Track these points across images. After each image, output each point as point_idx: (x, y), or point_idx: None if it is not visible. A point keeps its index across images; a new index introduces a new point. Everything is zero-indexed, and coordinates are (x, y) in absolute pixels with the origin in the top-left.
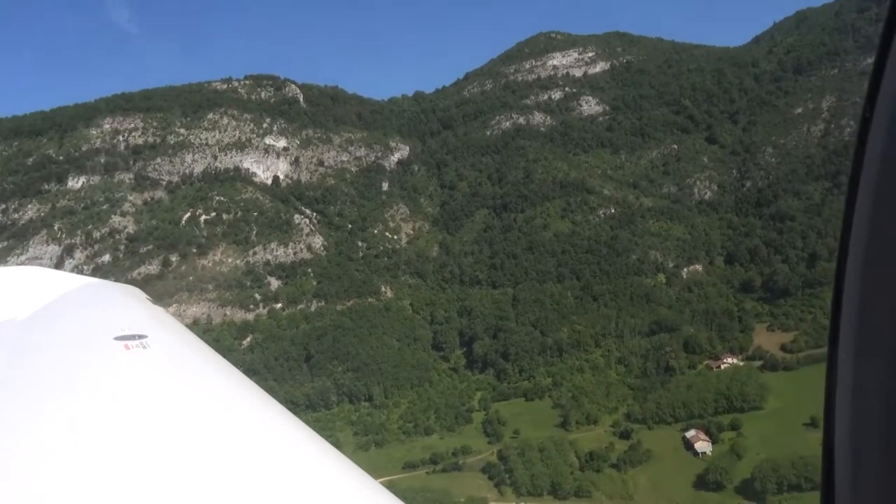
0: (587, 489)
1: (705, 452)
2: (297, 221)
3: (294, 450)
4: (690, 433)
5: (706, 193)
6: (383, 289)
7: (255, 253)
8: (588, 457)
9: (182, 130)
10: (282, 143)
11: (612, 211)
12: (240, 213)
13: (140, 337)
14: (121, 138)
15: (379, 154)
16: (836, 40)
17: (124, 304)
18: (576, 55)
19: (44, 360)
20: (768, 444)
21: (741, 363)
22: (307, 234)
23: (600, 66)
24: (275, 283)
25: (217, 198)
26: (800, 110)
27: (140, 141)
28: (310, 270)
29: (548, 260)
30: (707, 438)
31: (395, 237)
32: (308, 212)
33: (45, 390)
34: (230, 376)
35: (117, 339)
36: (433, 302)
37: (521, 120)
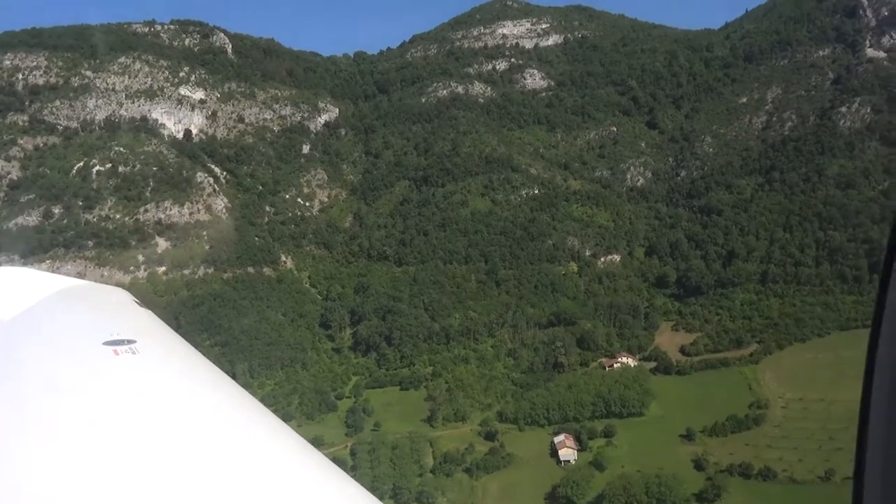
0: (431, 495)
1: (569, 461)
2: (199, 180)
3: (284, 457)
4: (558, 438)
5: (639, 180)
6: (283, 258)
7: (146, 210)
8: (443, 458)
9: (88, 73)
10: (199, 94)
11: (536, 191)
12: (138, 166)
13: (129, 342)
14: (20, 76)
15: (305, 114)
16: (791, 29)
17: (112, 307)
18: (528, 25)
19: (31, 365)
20: (637, 455)
21: (634, 364)
22: (209, 195)
23: (553, 39)
24: (163, 245)
25: (116, 148)
26: (745, 100)
27: (41, 81)
28: (204, 233)
29: (459, 239)
30: (573, 446)
31: (308, 204)
32: (217, 170)
33: (33, 397)
34: (220, 383)
35: (106, 344)
36: (334, 276)
37: (460, 89)
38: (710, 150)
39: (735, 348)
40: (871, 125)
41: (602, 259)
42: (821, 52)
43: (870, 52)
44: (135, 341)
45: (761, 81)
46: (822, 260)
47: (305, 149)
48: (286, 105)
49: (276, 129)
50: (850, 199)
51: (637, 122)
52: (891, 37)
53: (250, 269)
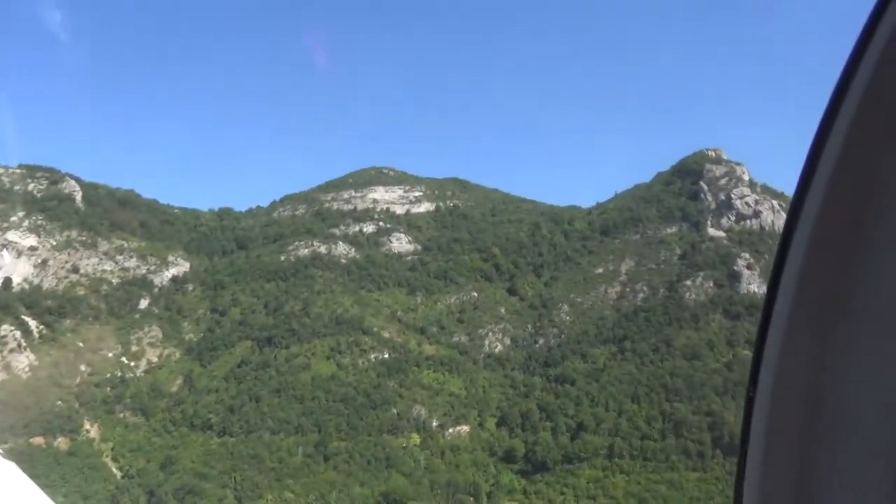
0: None
1: None
2: (2, 334)
3: None
4: None
5: (497, 346)
6: (87, 427)
7: None
8: None
9: None
10: (30, 241)
11: (386, 356)
12: None
13: None
14: None
15: (152, 268)
16: (643, 208)
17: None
18: (401, 192)
19: None
20: None
21: None
22: (10, 351)
23: (425, 207)
24: None
25: None
26: (600, 270)
27: None
28: None
29: (293, 406)
30: None
31: (133, 364)
32: (32, 324)
33: None
34: None
35: None
36: (142, 448)
37: (322, 249)
38: (568, 318)
39: None
40: (713, 299)
41: (450, 430)
42: (669, 230)
43: (711, 231)
44: None
45: (616, 254)
46: (667, 433)
47: (144, 304)
48: (131, 257)
49: (114, 281)
50: (696, 370)
51: (498, 289)
52: (728, 218)
53: (37, 440)
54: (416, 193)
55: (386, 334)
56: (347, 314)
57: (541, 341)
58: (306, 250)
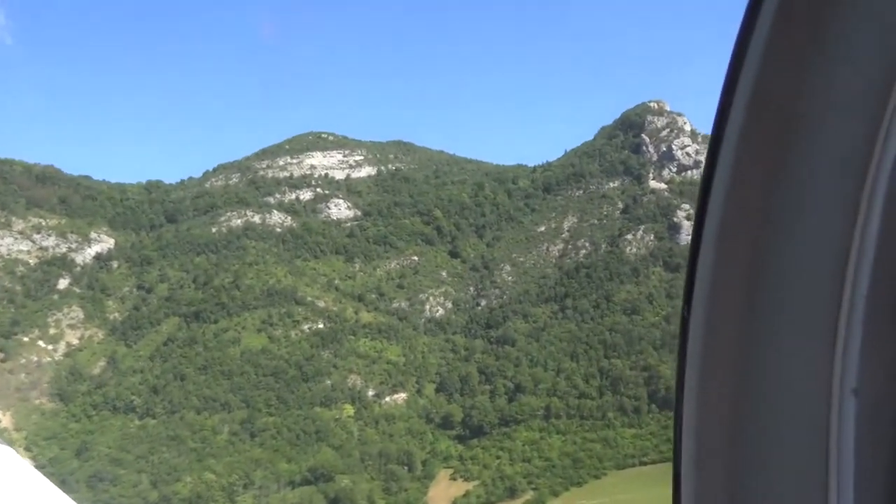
0: None
1: None
2: None
3: None
4: None
5: (438, 311)
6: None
7: None
8: None
9: None
10: None
11: (321, 326)
12: None
13: None
14: None
15: (73, 245)
16: (585, 163)
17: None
18: (340, 157)
19: None
20: None
21: None
22: None
23: (366, 171)
24: None
25: None
26: (542, 228)
27: None
28: None
29: (221, 383)
30: None
31: (51, 347)
32: None
33: None
34: None
35: None
36: (57, 435)
37: (256, 219)
38: (510, 278)
39: (509, 498)
40: (654, 252)
41: (387, 399)
42: (611, 185)
43: (652, 183)
44: None
45: (558, 211)
46: (604, 390)
47: (63, 284)
48: (50, 235)
49: (31, 261)
50: (635, 324)
51: (440, 252)
52: (669, 170)
53: None
54: (357, 157)
55: (321, 304)
56: (280, 285)
57: (483, 303)
58: (239, 220)
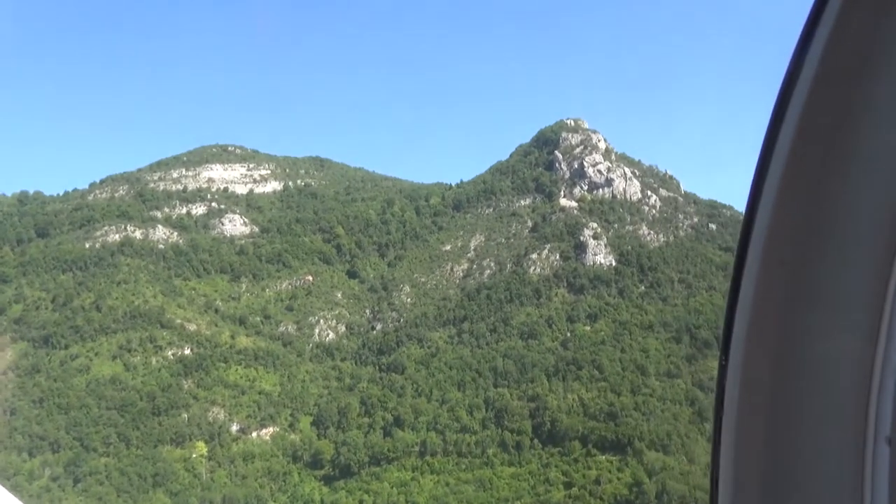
0: None
1: None
2: None
3: None
4: None
5: (328, 335)
6: None
7: None
8: None
9: None
10: None
11: (187, 352)
12: None
13: None
14: None
15: None
16: (497, 180)
17: None
18: (243, 170)
19: None
20: None
21: None
22: None
23: (271, 186)
24: None
25: None
26: (448, 247)
27: None
28: None
29: (55, 419)
30: None
31: None
32: None
33: None
34: None
35: None
36: None
37: (138, 234)
38: (409, 300)
39: None
40: (557, 272)
41: (253, 434)
42: (522, 202)
43: (563, 201)
44: None
45: (466, 230)
46: (487, 422)
47: None
48: None
49: None
50: (530, 349)
51: (337, 272)
52: (581, 187)
53: None
54: (263, 172)
55: (192, 327)
56: (146, 306)
57: (378, 327)
58: (117, 235)
